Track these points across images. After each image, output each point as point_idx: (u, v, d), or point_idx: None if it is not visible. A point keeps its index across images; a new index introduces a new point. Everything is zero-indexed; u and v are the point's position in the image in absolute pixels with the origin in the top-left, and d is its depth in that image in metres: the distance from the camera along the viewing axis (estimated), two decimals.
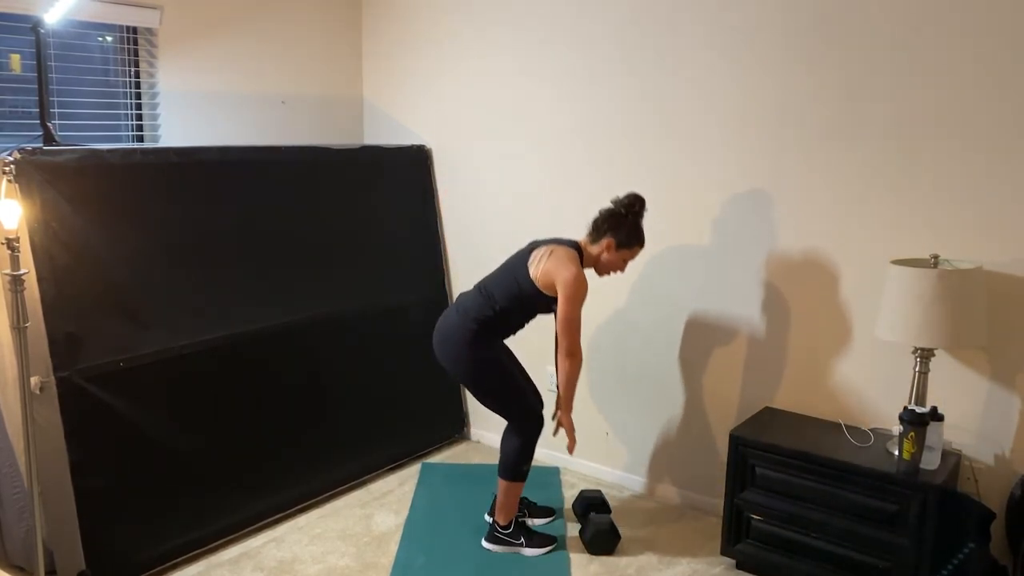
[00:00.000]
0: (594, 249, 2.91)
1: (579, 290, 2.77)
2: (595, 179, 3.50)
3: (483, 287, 2.95)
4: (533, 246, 2.95)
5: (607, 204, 2.95)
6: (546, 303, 2.87)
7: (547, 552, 3.01)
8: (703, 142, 3.18)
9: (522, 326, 2.99)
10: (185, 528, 2.89)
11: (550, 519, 3.25)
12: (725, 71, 3.09)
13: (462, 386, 4.10)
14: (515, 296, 2.87)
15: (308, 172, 3.55)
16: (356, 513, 3.29)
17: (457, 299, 3.04)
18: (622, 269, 2.97)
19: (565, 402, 2.92)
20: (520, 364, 3.13)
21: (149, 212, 2.93)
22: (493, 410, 3.00)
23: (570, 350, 2.83)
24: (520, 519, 3.08)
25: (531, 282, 2.83)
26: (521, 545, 3.01)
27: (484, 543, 3.05)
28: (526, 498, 3.31)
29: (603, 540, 3.01)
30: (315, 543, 3.04)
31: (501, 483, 2.98)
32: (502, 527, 3.03)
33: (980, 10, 2.56)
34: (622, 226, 2.88)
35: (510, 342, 3.05)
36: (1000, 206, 2.60)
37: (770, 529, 2.79)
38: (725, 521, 2.89)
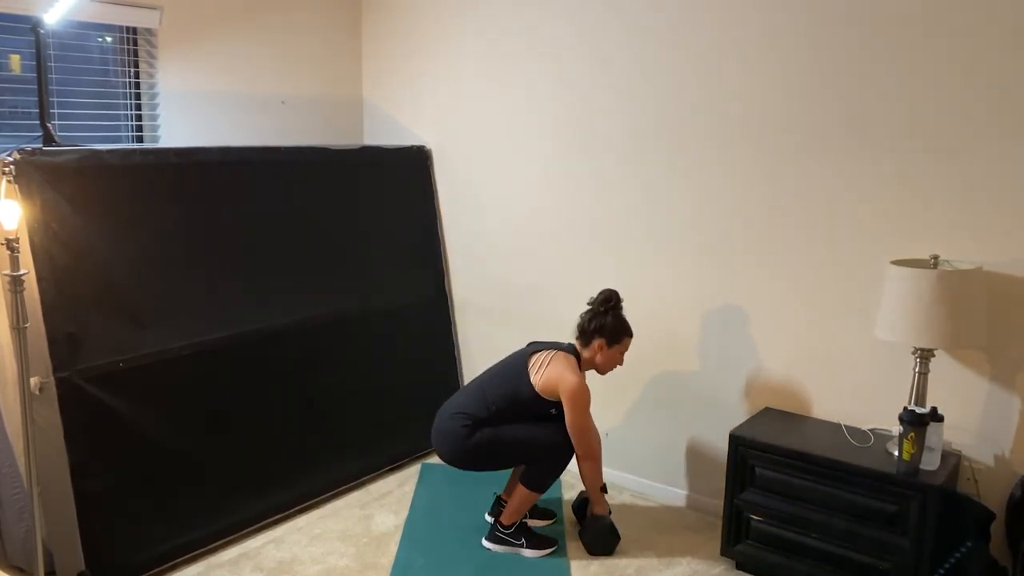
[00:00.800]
0: (587, 353, 3.00)
1: (583, 399, 2.87)
2: (595, 179, 3.50)
3: (479, 388, 2.99)
4: (533, 348, 3.03)
5: (586, 301, 3.03)
6: (545, 406, 2.93)
7: (547, 554, 3.00)
8: (703, 136, 3.18)
9: (514, 422, 2.97)
10: (185, 529, 2.89)
11: (550, 521, 3.25)
12: (731, 75, 3.10)
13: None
14: (511, 398, 2.92)
15: (308, 172, 3.54)
16: (356, 514, 3.29)
17: (453, 399, 3.06)
18: (620, 363, 3.04)
19: (595, 499, 3.03)
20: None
21: (149, 213, 2.93)
22: (521, 459, 2.99)
23: (587, 455, 2.95)
24: (522, 520, 3.08)
25: (532, 387, 2.90)
26: (521, 546, 3.01)
27: (484, 542, 3.05)
28: None
29: (602, 540, 3.01)
30: (315, 544, 3.04)
31: (520, 489, 2.98)
32: (504, 527, 3.03)
33: (980, 12, 2.56)
34: (606, 325, 2.95)
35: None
36: (1000, 207, 2.60)
37: (770, 530, 2.79)
38: (725, 522, 2.89)
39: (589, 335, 2.98)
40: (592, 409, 3.61)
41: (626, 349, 3.02)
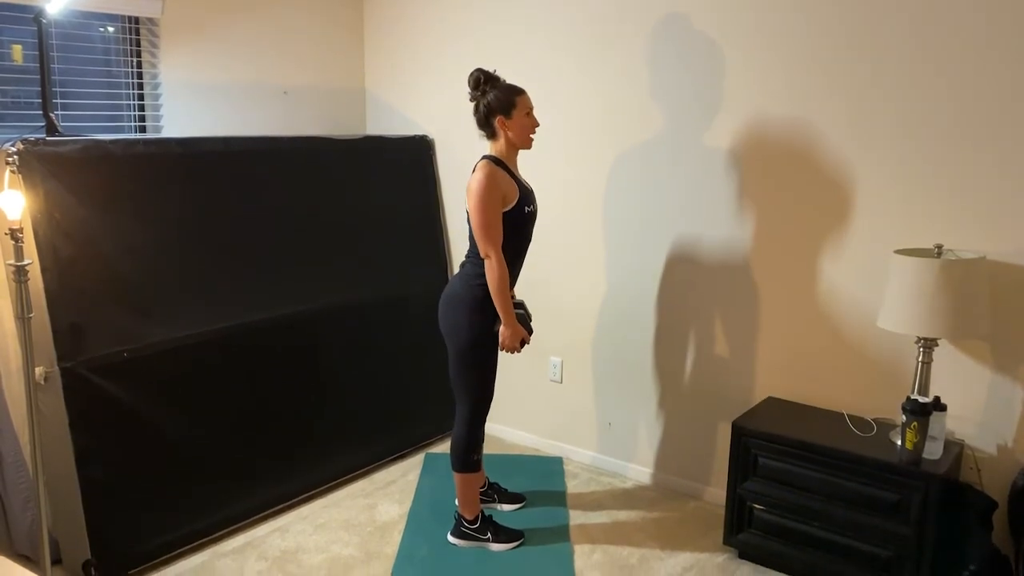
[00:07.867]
0: (500, 141, 2.78)
1: (480, 189, 2.66)
2: (597, 170, 3.50)
3: (466, 254, 2.89)
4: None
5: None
6: (507, 223, 2.74)
7: (514, 547, 2.96)
8: (707, 138, 3.18)
9: (515, 274, 2.86)
10: (189, 518, 2.90)
11: (520, 505, 3.25)
12: (736, 65, 3.09)
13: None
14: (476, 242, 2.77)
15: (310, 162, 3.54)
16: (360, 503, 3.30)
17: (454, 276, 2.98)
18: (534, 124, 2.81)
19: (500, 312, 2.77)
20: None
21: (152, 202, 2.93)
22: (458, 387, 2.88)
23: (484, 253, 2.71)
24: (487, 512, 3.06)
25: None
26: (488, 540, 2.97)
27: (450, 537, 3.01)
28: (497, 484, 3.32)
29: None
30: (319, 533, 3.06)
31: (455, 476, 2.94)
32: (468, 521, 2.99)
33: (984, 8, 2.56)
34: (492, 102, 2.75)
35: None
36: (1004, 196, 2.59)
37: (772, 519, 2.80)
38: (727, 511, 2.90)
39: (486, 122, 2.78)
40: (596, 398, 3.65)
41: (529, 108, 2.79)
